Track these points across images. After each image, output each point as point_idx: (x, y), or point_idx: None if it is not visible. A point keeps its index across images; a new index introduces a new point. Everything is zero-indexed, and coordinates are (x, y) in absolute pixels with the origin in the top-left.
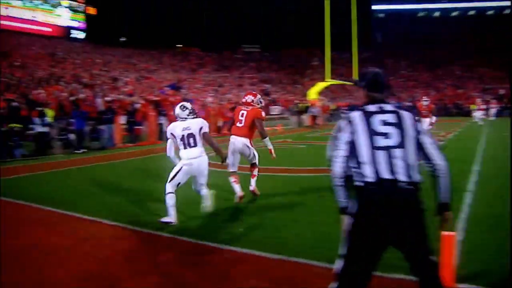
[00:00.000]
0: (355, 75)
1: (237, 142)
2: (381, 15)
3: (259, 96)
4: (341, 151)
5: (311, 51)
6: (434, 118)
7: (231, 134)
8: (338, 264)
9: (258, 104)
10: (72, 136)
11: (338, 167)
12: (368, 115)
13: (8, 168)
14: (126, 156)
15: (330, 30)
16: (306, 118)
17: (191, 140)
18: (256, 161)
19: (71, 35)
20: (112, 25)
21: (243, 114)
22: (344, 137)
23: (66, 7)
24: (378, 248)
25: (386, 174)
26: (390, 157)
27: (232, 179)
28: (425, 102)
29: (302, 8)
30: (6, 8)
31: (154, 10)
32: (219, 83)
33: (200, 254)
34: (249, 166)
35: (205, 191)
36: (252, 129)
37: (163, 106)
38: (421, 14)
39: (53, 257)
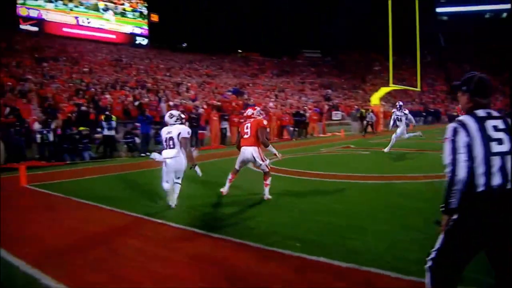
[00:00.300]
0: (418, 80)
1: (247, 151)
2: (445, 17)
3: (258, 108)
4: (462, 155)
5: (372, 55)
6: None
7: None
8: (429, 263)
9: (258, 116)
10: (137, 140)
11: (462, 171)
12: (480, 120)
13: (78, 170)
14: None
15: (392, 34)
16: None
17: (171, 142)
18: (268, 170)
19: (135, 42)
20: (174, 31)
21: (247, 126)
22: (463, 141)
23: (130, 15)
24: (475, 250)
25: (498, 180)
26: (503, 163)
27: (229, 176)
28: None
29: (363, 12)
30: (76, 17)
31: (214, 16)
32: (280, 88)
33: (269, 260)
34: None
35: (177, 186)
36: (257, 138)
37: (226, 111)
38: (488, 15)
39: (121, 257)
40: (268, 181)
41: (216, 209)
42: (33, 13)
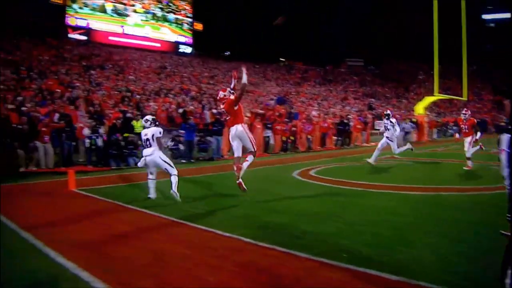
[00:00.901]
0: (465, 89)
1: (233, 129)
2: (492, 24)
3: (228, 89)
4: None
5: (416, 64)
6: (478, 134)
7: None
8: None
9: (229, 95)
10: (181, 147)
11: None
12: None
13: (123, 175)
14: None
15: (438, 42)
16: (412, 134)
17: (148, 143)
18: (253, 149)
19: (179, 50)
20: (217, 40)
21: (224, 110)
22: None
23: (175, 23)
24: None
25: None
26: None
27: (235, 167)
28: (464, 115)
29: (406, 21)
30: (122, 26)
31: (258, 25)
32: (323, 96)
33: (316, 270)
34: None
35: (174, 177)
36: (238, 114)
37: (269, 119)
38: None
39: (168, 263)
40: (249, 158)
41: (260, 217)
42: (81, 23)
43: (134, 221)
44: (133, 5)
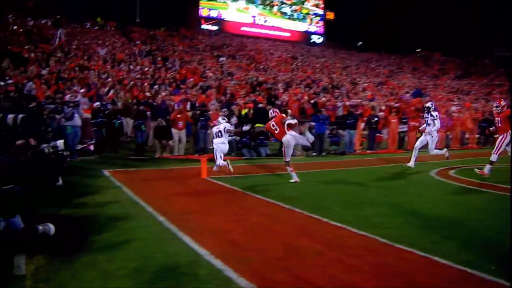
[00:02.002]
0: None
1: (288, 137)
2: None
3: (273, 109)
4: None
5: None
6: None
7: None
8: None
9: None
10: (311, 139)
11: None
12: None
13: (253, 166)
14: (367, 163)
15: None
16: None
17: (219, 134)
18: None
19: (310, 40)
20: (349, 29)
21: (273, 125)
22: None
23: (307, 13)
24: None
25: None
26: None
27: (289, 168)
28: (496, 108)
29: None
30: (253, 16)
31: (391, 14)
32: (463, 90)
33: (460, 281)
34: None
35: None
36: (284, 128)
37: (406, 113)
38: None
39: (302, 258)
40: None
41: (395, 218)
42: (213, 14)
43: (267, 213)
44: None
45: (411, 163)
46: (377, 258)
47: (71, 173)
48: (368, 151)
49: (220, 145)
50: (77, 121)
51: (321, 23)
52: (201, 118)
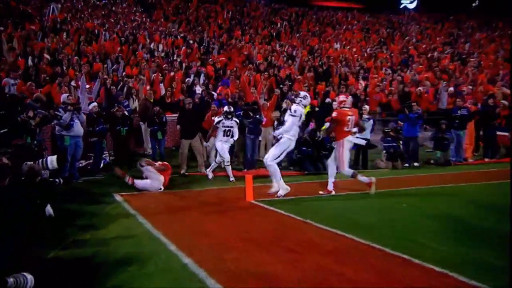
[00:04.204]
0: None
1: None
2: None
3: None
4: None
5: None
6: None
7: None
8: None
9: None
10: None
11: None
12: None
13: (315, 184)
14: (483, 178)
15: None
16: None
17: (228, 133)
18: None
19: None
20: None
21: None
22: None
23: None
24: None
25: None
26: None
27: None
28: None
29: None
30: None
31: None
32: None
33: None
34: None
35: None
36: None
37: None
38: None
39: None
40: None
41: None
42: None
43: (334, 250)
44: None
45: None
46: (407, 277)
47: (71, 199)
48: (486, 160)
49: (226, 144)
50: (79, 129)
51: None
52: (249, 120)
